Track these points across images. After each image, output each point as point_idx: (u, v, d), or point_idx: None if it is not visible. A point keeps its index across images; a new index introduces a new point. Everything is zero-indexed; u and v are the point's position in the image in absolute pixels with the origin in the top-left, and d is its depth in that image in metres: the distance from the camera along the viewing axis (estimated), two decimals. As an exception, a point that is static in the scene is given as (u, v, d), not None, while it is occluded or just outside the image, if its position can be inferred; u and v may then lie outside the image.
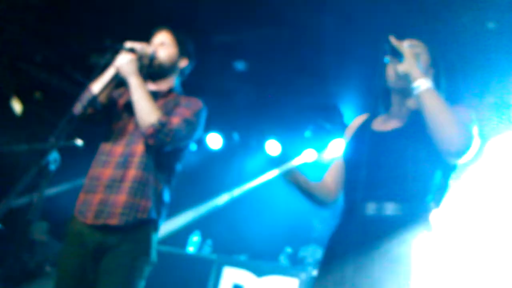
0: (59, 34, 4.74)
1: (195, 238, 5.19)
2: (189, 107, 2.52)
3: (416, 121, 1.89)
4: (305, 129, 6.02)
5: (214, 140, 6.39)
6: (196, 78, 2.85)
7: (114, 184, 2.37)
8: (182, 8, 4.10)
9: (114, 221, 2.30)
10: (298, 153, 6.33)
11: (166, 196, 2.51)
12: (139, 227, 2.35)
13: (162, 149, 2.41)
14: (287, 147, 6.27)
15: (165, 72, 2.63)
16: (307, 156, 6.24)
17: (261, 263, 4.69)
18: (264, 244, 5.44)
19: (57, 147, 2.02)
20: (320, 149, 6.10)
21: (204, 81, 4.92)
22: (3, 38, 4.72)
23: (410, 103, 2.01)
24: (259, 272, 4.46)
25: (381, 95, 2.14)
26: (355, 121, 2.23)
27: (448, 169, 1.94)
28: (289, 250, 5.08)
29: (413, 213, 1.83)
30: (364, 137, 2.05)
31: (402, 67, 1.86)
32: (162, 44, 2.62)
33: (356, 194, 1.93)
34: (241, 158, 6.61)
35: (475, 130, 1.84)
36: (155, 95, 2.52)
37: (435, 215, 1.87)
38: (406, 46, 1.92)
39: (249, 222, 6.19)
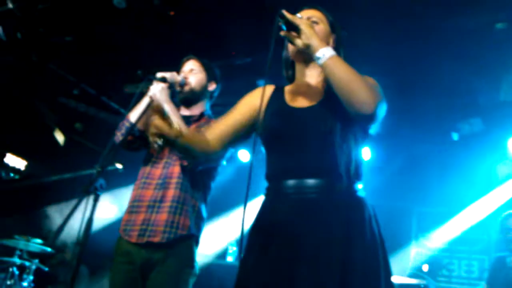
0: (94, 68, 5.03)
1: (233, 248, 5.30)
2: None
3: (331, 95, 1.82)
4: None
5: (244, 155, 6.57)
6: (222, 98, 3.00)
7: (155, 205, 2.54)
8: (205, 37, 4.31)
9: (157, 239, 2.46)
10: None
11: (203, 212, 2.67)
12: (181, 243, 2.51)
13: (196, 169, 2.56)
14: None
15: (196, 96, 2.81)
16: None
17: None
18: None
19: (102, 174, 2.15)
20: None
21: (230, 100, 5.16)
22: (44, 75, 5.01)
23: (317, 74, 1.97)
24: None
25: (285, 67, 2.10)
26: (264, 89, 1.97)
27: (363, 139, 1.92)
28: None
29: (337, 186, 1.78)
30: (282, 113, 1.96)
31: (300, 41, 1.79)
32: (191, 71, 2.81)
33: (278, 173, 1.88)
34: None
35: (382, 95, 1.79)
36: (188, 120, 2.70)
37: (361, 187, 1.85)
38: (300, 17, 1.83)
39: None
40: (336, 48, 1.91)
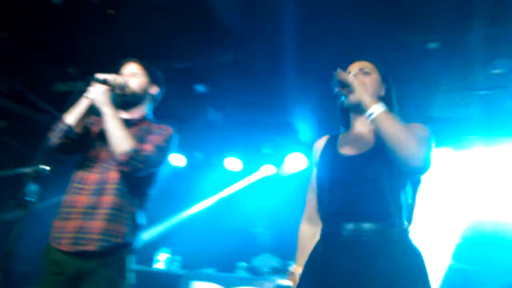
0: (22, 64, 4.79)
1: (164, 255, 5.24)
2: (161, 134, 2.60)
3: (380, 144, 1.94)
4: (263, 145, 6.22)
5: (179, 160, 6.51)
6: (160, 102, 2.95)
7: (89, 211, 2.41)
8: (143, 38, 4.22)
9: (90, 247, 2.35)
10: (257, 168, 6.56)
11: (140, 220, 2.59)
12: (116, 251, 2.41)
13: (136, 175, 2.48)
14: (247, 163, 6.49)
15: (137, 100, 2.73)
16: (266, 171, 6.48)
17: (228, 275, 4.82)
18: (229, 257, 5.58)
19: (34, 178, 2.07)
20: (278, 163, 6.35)
21: (167, 104, 5.09)
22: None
23: (368, 122, 2.04)
24: (228, 284, 4.60)
25: (340, 115, 2.27)
26: (317, 145, 2.28)
27: (415, 185, 2.04)
28: (243, 264, 5.22)
29: (389, 231, 1.90)
30: (333, 161, 2.12)
31: (353, 98, 1.99)
32: (132, 74, 2.72)
33: (334, 216, 2.01)
34: (204, 175, 6.76)
35: (433, 143, 1.95)
36: (128, 123, 2.59)
37: (411, 231, 1.98)
38: (351, 76, 2.01)
39: (214, 236, 6.32)
40: (387, 97, 2.13)
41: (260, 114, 5.51)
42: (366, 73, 2.14)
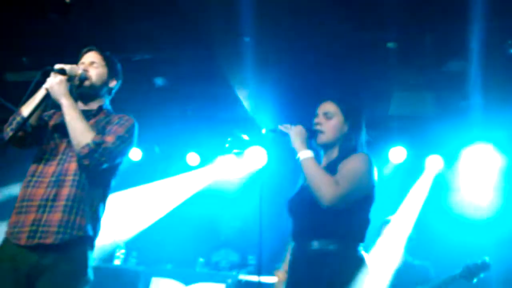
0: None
1: (120, 251, 5.17)
2: (121, 124, 2.55)
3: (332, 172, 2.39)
4: (223, 140, 6.21)
5: (135, 153, 6.41)
6: (117, 94, 2.90)
7: (47, 204, 2.35)
8: (100, 27, 4.13)
9: (49, 240, 2.28)
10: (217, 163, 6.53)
11: (101, 213, 2.54)
12: (75, 245, 2.35)
13: (98, 169, 2.43)
14: (207, 158, 6.46)
15: (96, 92, 2.66)
16: (225, 164, 6.47)
17: (187, 271, 4.80)
18: (187, 252, 5.54)
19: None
20: (238, 157, 6.34)
21: (124, 97, 4.98)
22: None
23: (330, 156, 2.54)
24: (187, 281, 4.58)
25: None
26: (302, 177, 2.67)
27: (367, 206, 2.43)
28: (201, 259, 5.22)
29: (344, 245, 2.33)
30: (299, 190, 2.59)
31: (292, 144, 2.45)
32: (92, 64, 2.65)
33: (300, 234, 2.46)
34: (161, 169, 6.68)
35: (354, 181, 2.32)
36: (86, 114, 2.53)
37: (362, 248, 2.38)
38: (292, 129, 2.49)
39: (171, 231, 6.27)
40: (351, 133, 2.52)
41: (220, 107, 5.49)
42: (328, 118, 2.52)
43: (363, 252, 2.38)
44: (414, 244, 4.43)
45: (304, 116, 5.22)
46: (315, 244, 2.35)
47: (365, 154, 2.44)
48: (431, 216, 5.30)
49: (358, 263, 2.32)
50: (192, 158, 6.36)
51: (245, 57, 4.29)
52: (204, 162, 6.45)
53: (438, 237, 5.18)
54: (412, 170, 5.57)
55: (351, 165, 2.37)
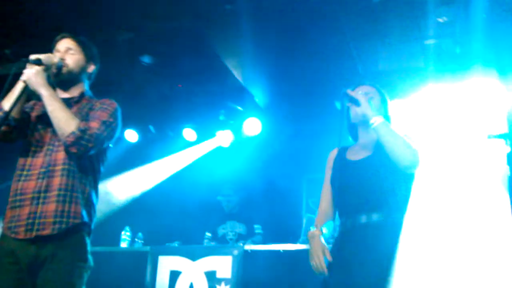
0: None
1: (125, 233, 5.20)
2: (105, 109, 2.54)
3: (380, 149, 2.47)
4: (218, 113, 6.17)
5: (131, 135, 6.39)
6: (105, 77, 2.87)
7: (40, 195, 2.36)
8: (81, 10, 4.04)
9: (47, 231, 2.30)
10: (213, 136, 6.51)
11: (94, 199, 2.55)
12: (73, 233, 2.37)
13: (85, 155, 2.43)
14: (203, 132, 6.42)
15: (75, 78, 2.63)
16: (223, 138, 6.44)
17: (194, 247, 4.80)
18: (193, 228, 5.57)
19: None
20: (235, 129, 6.32)
21: (113, 79, 4.93)
22: None
23: (372, 134, 2.56)
24: (194, 256, 4.59)
25: (349, 130, 2.77)
26: (331, 154, 2.81)
27: (409, 180, 2.51)
28: (208, 234, 5.24)
29: (391, 217, 2.42)
30: (344, 166, 2.65)
31: (359, 110, 2.49)
32: (67, 51, 2.61)
33: (349, 210, 2.52)
34: (159, 148, 6.67)
35: (420, 147, 2.45)
36: (68, 103, 2.52)
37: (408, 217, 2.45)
38: (359, 93, 2.56)
39: (175, 209, 6.30)
40: (385, 114, 2.64)
41: (213, 80, 5.42)
42: (371, 98, 2.61)
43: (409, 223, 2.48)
44: None
45: (299, 82, 5.20)
46: (363, 218, 2.44)
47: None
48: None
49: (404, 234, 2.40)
50: (189, 133, 6.33)
51: (229, 26, 4.19)
52: (201, 136, 6.41)
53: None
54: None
55: (413, 140, 2.49)
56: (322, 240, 2.50)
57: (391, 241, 2.34)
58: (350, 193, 2.54)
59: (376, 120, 2.43)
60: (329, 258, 2.42)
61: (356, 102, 2.50)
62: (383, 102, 2.71)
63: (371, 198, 2.46)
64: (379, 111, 2.59)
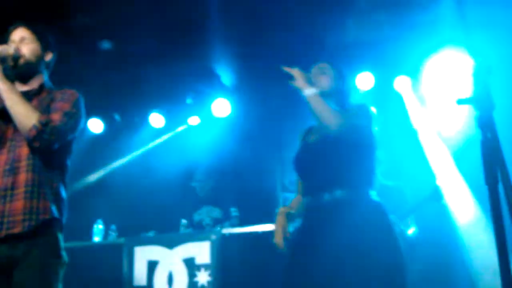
0: None
1: (99, 226, 5.10)
2: (66, 99, 2.48)
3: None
4: (185, 96, 6.06)
5: (95, 125, 6.21)
6: (64, 66, 2.81)
7: (7, 193, 2.32)
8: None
9: (17, 229, 2.26)
10: (183, 121, 6.39)
11: (63, 193, 2.50)
12: (45, 230, 2.33)
13: (49, 149, 2.37)
14: (171, 117, 6.29)
15: (33, 69, 2.55)
16: (192, 121, 6.33)
17: (170, 235, 4.76)
18: (167, 216, 5.49)
19: None
20: (204, 112, 6.21)
21: (73, 67, 4.73)
22: None
23: None
24: (170, 244, 4.55)
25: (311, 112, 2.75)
26: (300, 136, 2.86)
27: (371, 154, 2.58)
28: (184, 221, 5.18)
29: (355, 192, 2.46)
30: (303, 147, 2.75)
31: (296, 85, 2.52)
32: (22, 40, 2.53)
33: (312, 191, 2.57)
34: (126, 136, 6.52)
35: (362, 121, 2.53)
36: (27, 95, 2.45)
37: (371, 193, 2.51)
38: (294, 69, 2.56)
39: (148, 197, 6.19)
40: (342, 88, 2.74)
41: (177, 63, 5.29)
42: (323, 73, 2.69)
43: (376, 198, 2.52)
44: (386, 167, 4.43)
45: (266, 60, 5.11)
46: (327, 196, 2.46)
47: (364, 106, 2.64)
48: (400, 138, 5.28)
49: (372, 208, 2.44)
50: (156, 119, 6.18)
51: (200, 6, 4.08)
52: (169, 121, 6.28)
53: (407, 158, 5.20)
54: (381, 95, 5.48)
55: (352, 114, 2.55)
56: (285, 218, 2.58)
57: (359, 217, 2.35)
58: (310, 174, 2.61)
59: (306, 93, 2.48)
60: (286, 235, 2.52)
61: (293, 78, 2.56)
62: (338, 77, 2.75)
63: (331, 175, 2.49)
64: (332, 87, 2.67)
